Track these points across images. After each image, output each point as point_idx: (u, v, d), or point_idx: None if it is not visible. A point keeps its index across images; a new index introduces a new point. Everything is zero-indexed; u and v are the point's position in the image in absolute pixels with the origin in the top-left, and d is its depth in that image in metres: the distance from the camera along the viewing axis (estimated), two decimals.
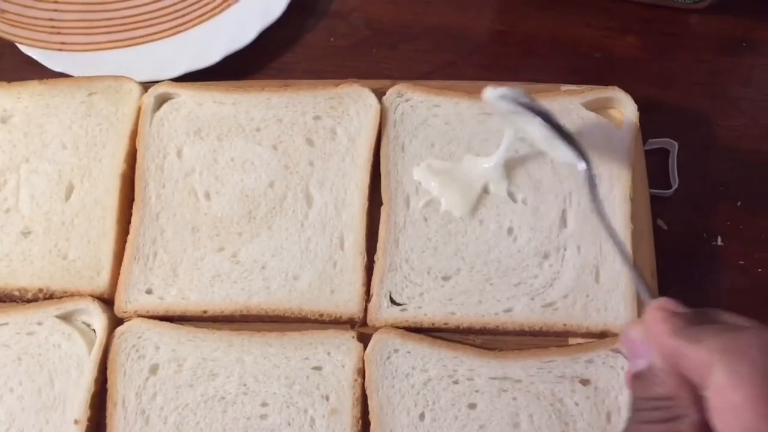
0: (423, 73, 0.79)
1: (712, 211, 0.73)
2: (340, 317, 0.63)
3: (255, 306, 0.64)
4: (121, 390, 0.61)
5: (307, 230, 0.66)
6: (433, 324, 0.63)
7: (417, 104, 0.70)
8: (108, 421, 0.61)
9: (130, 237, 0.66)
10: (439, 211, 0.66)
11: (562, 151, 0.59)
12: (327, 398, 0.61)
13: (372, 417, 0.60)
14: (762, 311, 0.68)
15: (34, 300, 0.65)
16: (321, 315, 0.63)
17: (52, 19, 0.80)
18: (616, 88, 0.69)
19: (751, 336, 0.38)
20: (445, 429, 0.60)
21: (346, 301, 0.64)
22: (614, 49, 0.81)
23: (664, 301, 0.44)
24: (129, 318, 0.64)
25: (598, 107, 0.70)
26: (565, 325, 0.62)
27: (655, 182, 0.71)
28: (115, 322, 0.64)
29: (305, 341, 0.63)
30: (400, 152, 0.68)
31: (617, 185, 0.66)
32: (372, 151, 0.68)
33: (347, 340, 0.62)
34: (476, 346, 0.63)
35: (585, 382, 0.61)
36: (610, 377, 0.61)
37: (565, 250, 0.65)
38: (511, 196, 0.67)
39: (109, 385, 0.62)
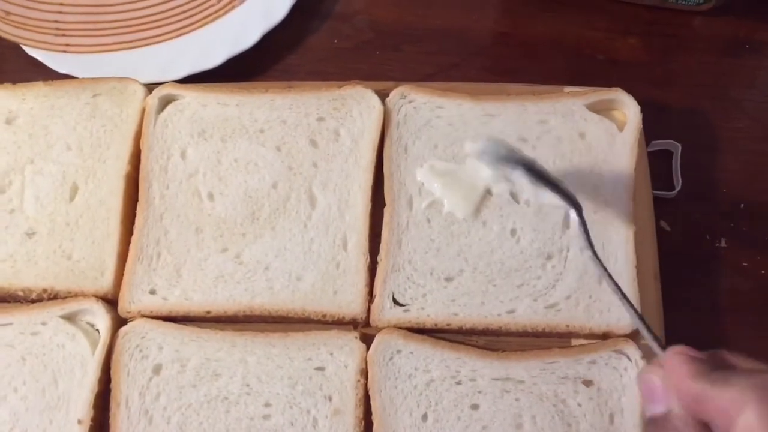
0: (426, 75, 0.80)
1: (715, 213, 0.73)
2: (343, 318, 0.64)
3: (258, 306, 0.64)
4: (124, 390, 0.62)
5: (310, 231, 0.66)
6: (435, 325, 0.63)
7: (420, 106, 0.70)
8: (111, 421, 0.61)
9: (133, 238, 0.66)
10: (442, 212, 0.66)
11: (550, 198, 0.59)
12: (330, 399, 0.61)
13: (375, 417, 0.60)
14: (764, 312, 0.69)
15: (39, 300, 0.65)
16: (324, 316, 0.64)
17: (56, 21, 0.81)
18: (619, 89, 0.69)
19: None
20: (448, 430, 0.60)
21: (349, 301, 0.64)
22: (617, 51, 0.81)
23: (683, 348, 0.44)
24: (133, 318, 0.64)
25: (601, 109, 0.70)
26: (567, 326, 0.62)
27: (659, 184, 0.71)
28: (119, 322, 0.64)
29: (308, 342, 0.63)
30: (403, 153, 0.68)
31: (620, 187, 0.66)
32: (375, 153, 0.68)
33: (350, 340, 0.63)
34: (479, 347, 0.63)
35: (588, 383, 0.61)
36: (613, 378, 0.61)
37: (567, 251, 0.65)
38: (513, 197, 0.67)
39: (112, 385, 0.62)
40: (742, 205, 0.73)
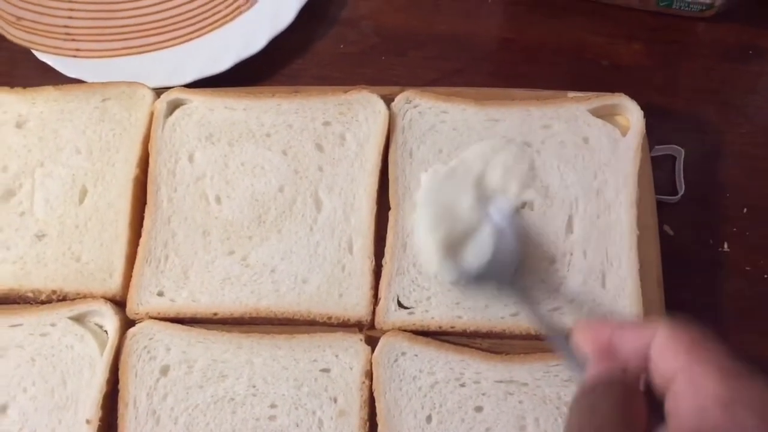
0: (431, 80, 0.80)
1: (718, 218, 0.73)
2: (349, 320, 0.64)
3: (264, 308, 0.64)
4: (132, 391, 0.62)
5: (316, 234, 0.67)
6: (440, 327, 0.63)
7: (425, 110, 0.71)
8: (119, 421, 0.62)
9: (142, 240, 0.67)
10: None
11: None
12: (335, 400, 0.61)
13: (379, 419, 0.61)
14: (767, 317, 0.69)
15: (48, 302, 0.66)
16: (329, 318, 0.64)
17: (66, 26, 0.82)
18: (623, 95, 0.69)
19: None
20: (452, 431, 0.60)
21: (355, 304, 0.64)
22: (621, 56, 0.82)
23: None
24: (141, 320, 0.65)
25: (605, 114, 0.70)
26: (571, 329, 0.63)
27: (662, 188, 0.71)
28: (127, 323, 0.65)
29: (314, 344, 0.63)
30: (408, 158, 0.69)
31: (623, 191, 0.67)
32: (380, 157, 0.69)
33: (355, 342, 0.63)
34: (483, 350, 0.63)
35: None
36: None
37: (571, 255, 0.65)
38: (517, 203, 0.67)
39: (120, 385, 0.63)
40: (745, 210, 0.74)
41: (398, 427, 0.60)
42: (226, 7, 0.83)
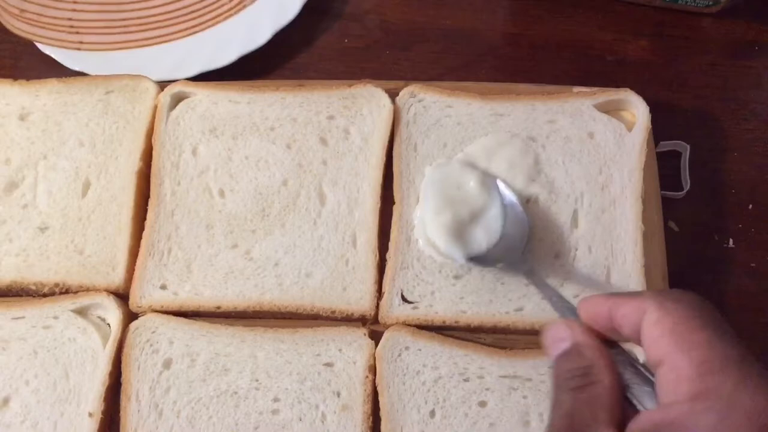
0: (435, 75, 0.80)
1: (723, 214, 0.73)
2: (352, 314, 0.64)
3: (268, 302, 0.64)
4: (135, 384, 0.62)
5: (319, 228, 0.67)
6: (444, 322, 0.63)
7: (430, 105, 0.70)
8: (122, 414, 0.62)
9: (145, 233, 0.67)
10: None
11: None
12: (338, 394, 0.61)
13: (382, 413, 0.61)
14: None
15: (51, 294, 0.66)
16: (333, 312, 0.64)
17: (70, 19, 0.82)
18: (628, 90, 0.69)
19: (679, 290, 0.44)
20: (456, 426, 0.60)
21: (358, 298, 0.64)
22: (626, 52, 0.81)
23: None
24: (143, 313, 0.65)
25: (610, 109, 0.70)
26: None
27: (667, 184, 0.71)
28: (130, 316, 0.65)
29: (317, 338, 0.63)
30: (412, 152, 0.69)
31: (629, 186, 0.66)
32: (385, 151, 0.69)
33: (359, 337, 0.63)
34: (487, 345, 0.63)
35: None
36: None
37: (576, 250, 0.65)
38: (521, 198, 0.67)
39: (123, 378, 0.63)
40: (750, 206, 0.74)
41: (401, 422, 0.60)
42: (230, 0, 0.83)
